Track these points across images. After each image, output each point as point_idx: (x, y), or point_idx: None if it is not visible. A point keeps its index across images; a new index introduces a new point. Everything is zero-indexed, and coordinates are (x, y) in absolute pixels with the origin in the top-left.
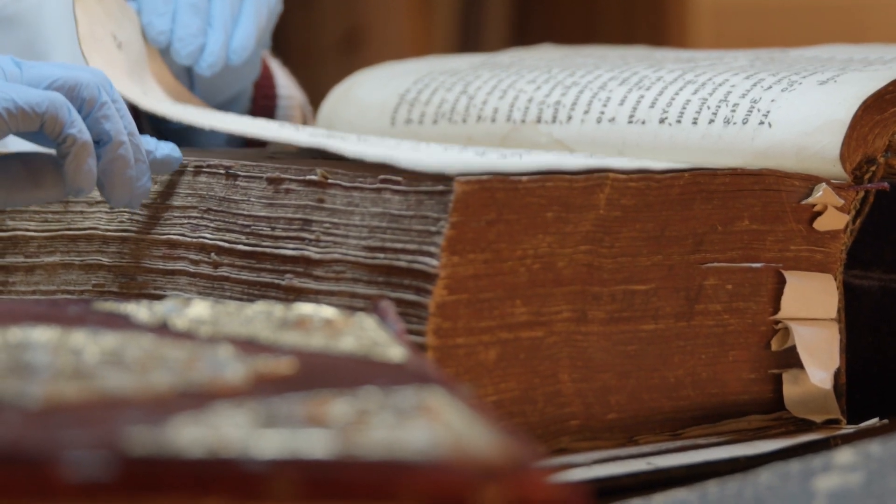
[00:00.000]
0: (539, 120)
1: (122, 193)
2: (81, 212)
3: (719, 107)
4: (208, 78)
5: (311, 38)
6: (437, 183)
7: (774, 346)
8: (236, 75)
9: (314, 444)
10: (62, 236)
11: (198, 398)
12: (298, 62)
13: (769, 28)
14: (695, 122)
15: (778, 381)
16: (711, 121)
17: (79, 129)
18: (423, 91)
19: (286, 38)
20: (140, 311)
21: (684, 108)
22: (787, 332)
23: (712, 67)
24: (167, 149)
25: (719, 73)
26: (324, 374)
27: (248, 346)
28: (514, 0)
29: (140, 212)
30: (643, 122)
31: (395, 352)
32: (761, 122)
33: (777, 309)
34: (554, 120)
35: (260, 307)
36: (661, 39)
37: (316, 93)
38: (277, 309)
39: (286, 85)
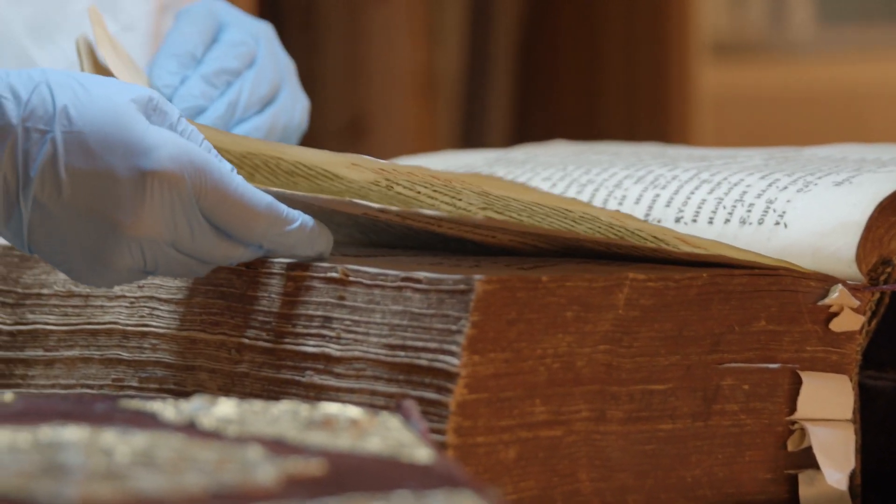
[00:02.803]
0: None
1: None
2: (101, 306)
3: (735, 207)
4: None
5: (315, 126)
6: (458, 282)
7: (790, 446)
8: None
9: None
10: (82, 330)
11: (231, 500)
12: None
13: (769, 120)
14: (710, 222)
15: (794, 482)
16: (727, 220)
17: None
18: None
19: None
20: (166, 409)
21: (700, 207)
22: (803, 432)
23: (727, 166)
24: None
25: (734, 172)
26: (354, 476)
27: (277, 446)
28: (516, 88)
29: (161, 307)
30: (659, 221)
31: (422, 453)
32: (777, 223)
33: (793, 409)
34: None
35: (285, 406)
36: (662, 131)
37: None
38: (303, 408)
39: None
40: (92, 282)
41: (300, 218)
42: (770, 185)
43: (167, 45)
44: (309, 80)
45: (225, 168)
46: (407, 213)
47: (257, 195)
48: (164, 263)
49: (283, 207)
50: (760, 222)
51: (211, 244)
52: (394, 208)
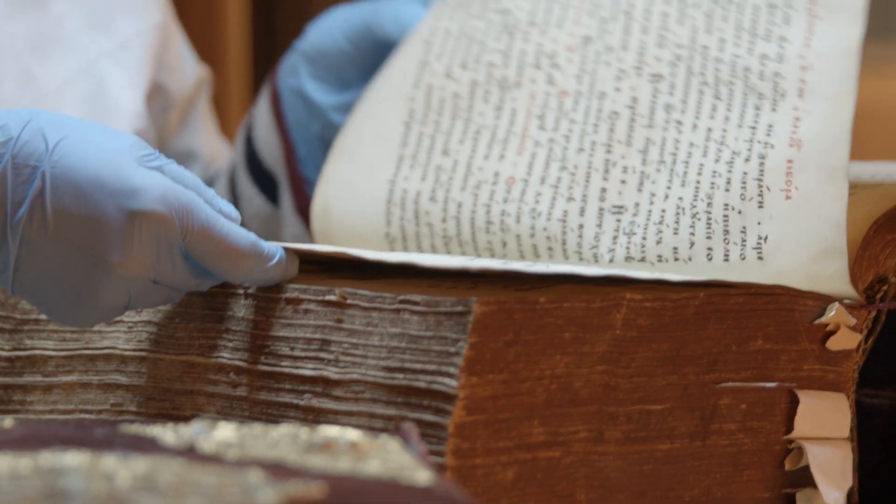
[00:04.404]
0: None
1: None
2: (100, 331)
3: None
4: None
5: None
6: (456, 304)
7: (788, 465)
8: None
9: None
10: (80, 356)
11: None
12: None
13: None
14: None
15: (792, 501)
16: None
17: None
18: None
19: None
20: (166, 433)
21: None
22: (800, 451)
23: None
24: None
25: None
26: (354, 498)
27: (277, 469)
28: None
29: (158, 332)
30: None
31: (422, 476)
32: None
33: (790, 428)
34: None
35: (285, 429)
36: None
37: None
38: (303, 431)
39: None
40: (72, 321)
41: (278, 252)
42: None
43: None
44: None
45: (211, 209)
46: (404, 263)
47: (242, 234)
48: (144, 297)
49: (265, 244)
50: None
51: (188, 276)
52: (391, 257)
